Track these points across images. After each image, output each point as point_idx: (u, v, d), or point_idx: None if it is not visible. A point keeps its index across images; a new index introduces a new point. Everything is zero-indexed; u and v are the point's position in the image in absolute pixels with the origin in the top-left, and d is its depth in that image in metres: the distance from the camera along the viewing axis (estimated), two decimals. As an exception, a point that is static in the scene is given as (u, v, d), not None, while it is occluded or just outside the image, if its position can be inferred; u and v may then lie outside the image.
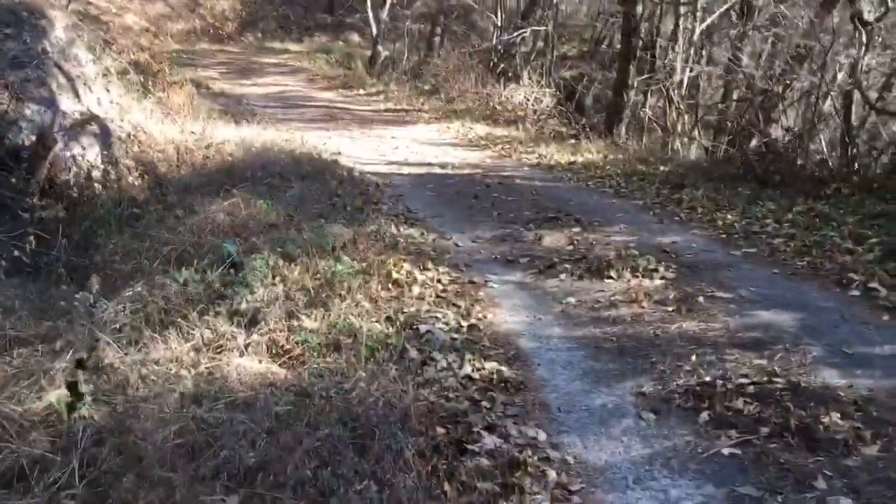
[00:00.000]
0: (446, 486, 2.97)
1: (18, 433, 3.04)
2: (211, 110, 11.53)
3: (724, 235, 6.51)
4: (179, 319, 4.28)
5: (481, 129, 12.34)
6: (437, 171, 9.21)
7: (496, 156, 10.36)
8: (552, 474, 3.13)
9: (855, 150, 8.83)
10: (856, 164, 8.56)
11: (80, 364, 3.41)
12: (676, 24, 15.38)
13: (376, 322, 4.43)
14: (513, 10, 23.45)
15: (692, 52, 15.32)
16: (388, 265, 5.30)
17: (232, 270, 4.97)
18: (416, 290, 5.08)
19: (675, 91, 14.29)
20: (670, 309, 4.83)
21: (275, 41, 23.68)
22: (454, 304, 4.94)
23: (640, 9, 14.03)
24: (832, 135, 10.64)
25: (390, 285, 5.07)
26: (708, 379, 3.84)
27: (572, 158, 9.95)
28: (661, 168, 9.16)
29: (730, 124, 15.79)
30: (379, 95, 15.27)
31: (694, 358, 4.11)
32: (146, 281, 4.95)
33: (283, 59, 20.06)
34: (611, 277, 5.41)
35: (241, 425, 3.14)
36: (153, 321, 4.33)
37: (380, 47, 19.02)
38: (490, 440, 3.30)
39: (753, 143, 11.65)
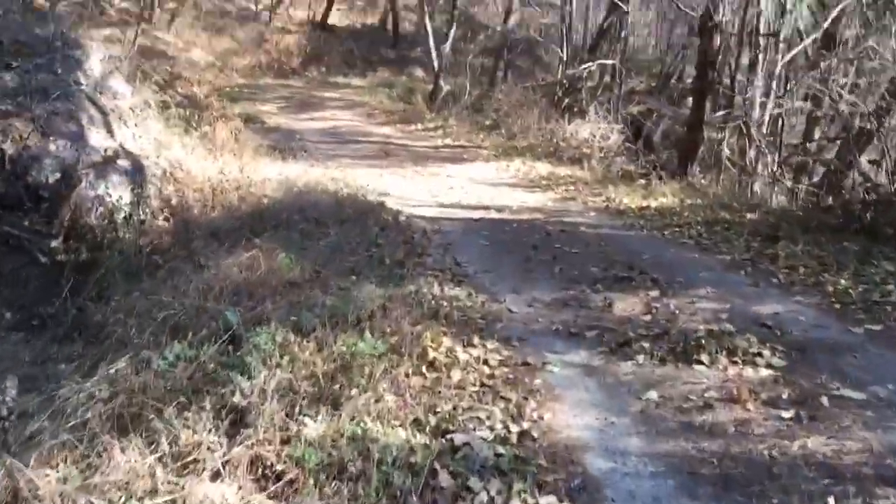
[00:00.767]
0: None
1: None
2: (259, 146, 10.75)
3: (837, 305, 5.22)
4: (153, 416, 3.29)
5: (543, 167, 11.24)
6: (494, 215, 8.13)
7: (559, 198, 9.23)
8: None
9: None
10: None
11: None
12: (755, 57, 14.03)
13: (400, 426, 3.36)
14: (579, 44, 22.43)
15: (773, 86, 13.96)
16: (425, 340, 4.23)
17: (231, 347, 3.98)
18: (455, 375, 3.99)
19: (755, 128, 12.96)
20: (786, 416, 3.61)
21: (338, 76, 23.14)
22: (503, 397, 3.83)
23: (717, 41, 12.78)
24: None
25: (424, 369, 4.00)
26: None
27: (644, 202, 8.74)
28: (748, 216, 7.88)
29: (816, 164, 14.33)
30: (437, 131, 14.34)
31: (832, 502, 2.89)
32: (132, 356, 4.00)
33: (344, 93, 19.40)
34: (701, 363, 4.22)
35: None
36: (122, 418, 3.36)
37: (441, 82, 18.17)
38: None
39: (848, 185, 10.26)
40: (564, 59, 18.13)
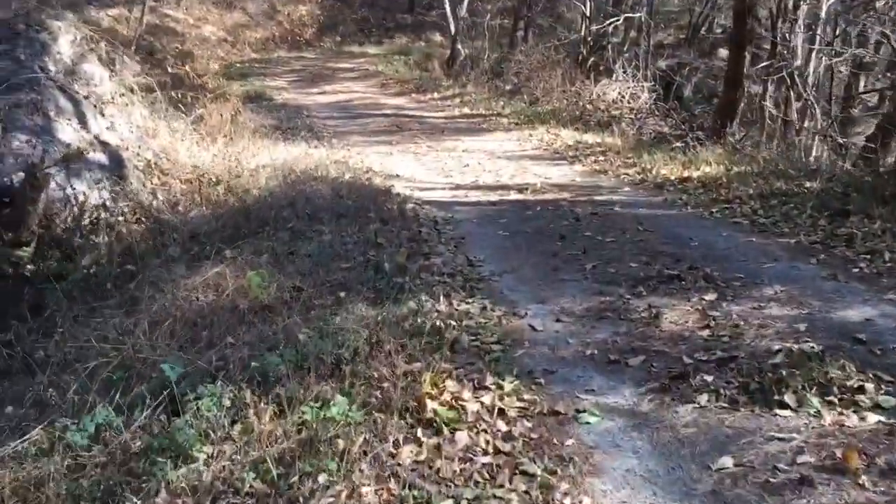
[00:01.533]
0: None
1: None
2: (260, 128, 9.71)
3: (945, 306, 4.09)
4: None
5: (569, 135, 10.05)
6: (514, 196, 7.03)
7: (588, 171, 8.07)
8: None
9: None
10: None
11: None
12: (796, 3, 12.54)
13: (378, 540, 2.35)
14: (602, -3, 20.95)
15: (819, 31, 12.51)
16: (423, 386, 3.20)
17: (168, 414, 2.99)
18: (461, 439, 2.96)
19: (800, 81, 11.58)
20: (920, 498, 2.53)
21: (353, 45, 21.95)
22: (523, 472, 2.80)
23: (756, -16, 11.35)
24: None
25: (420, 431, 2.98)
26: None
27: (684, 173, 7.55)
28: (808, 184, 6.66)
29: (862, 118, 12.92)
30: (454, 99, 13.17)
31: None
32: (47, 425, 3.06)
33: (359, 63, 18.24)
34: (786, 406, 3.13)
35: None
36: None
37: (459, 46, 16.92)
38: None
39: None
40: (588, 14, 16.74)
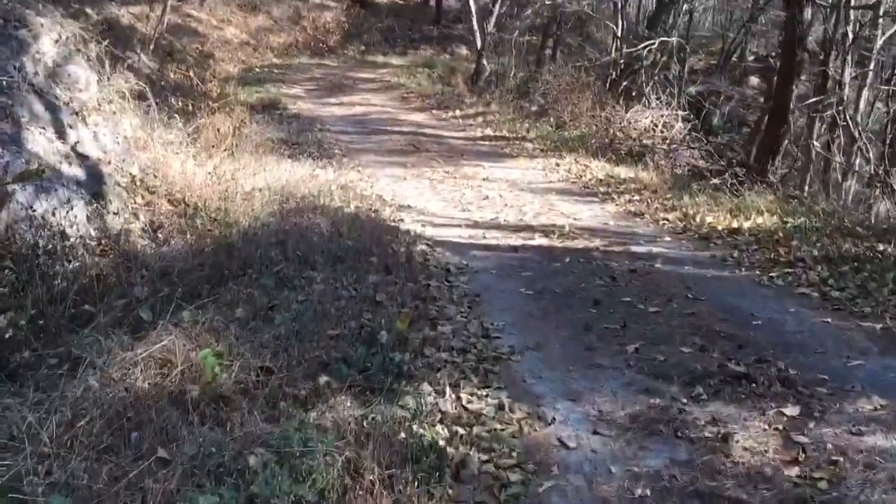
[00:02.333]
0: None
1: None
2: (266, 141, 8.77)
3: None
4: None
5: (599, 167, 9.02)
6: (540, 241, 6.01)
7: (622, 213, 7.04)
8: None
9: None
10: None
11: None
12: (844, 34, 11.46)
13: None
14: (633, 19, 19.92)
15: (872, 66, 11.44)
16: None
17: None
18: None
19: (850, 120, 10.51)
20: None
21: (377, 54, 21.02)
22: None
23: (807, 14, 10.30)
24: None
25: None
26: None
27: (733, 222, 6.50)
28: (881, 247, 5.61)
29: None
30: (477, 118, 12.18)
31: None
32: None
33: (381, 74, 17.29)
34: None
35: None
36: None
37: (484, 61, 15.93)
38: None
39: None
40: (619, 35, 15.74)
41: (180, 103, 8.27)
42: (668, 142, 11.23)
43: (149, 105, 7.40)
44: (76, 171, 6.05)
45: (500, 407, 3.32)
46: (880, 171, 9.17)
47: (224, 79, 16.67)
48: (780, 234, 6.05)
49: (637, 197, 7.50)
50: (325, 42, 21.36)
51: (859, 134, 10.02)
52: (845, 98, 10.71)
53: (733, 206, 6.96)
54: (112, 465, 2.57)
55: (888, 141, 10.01)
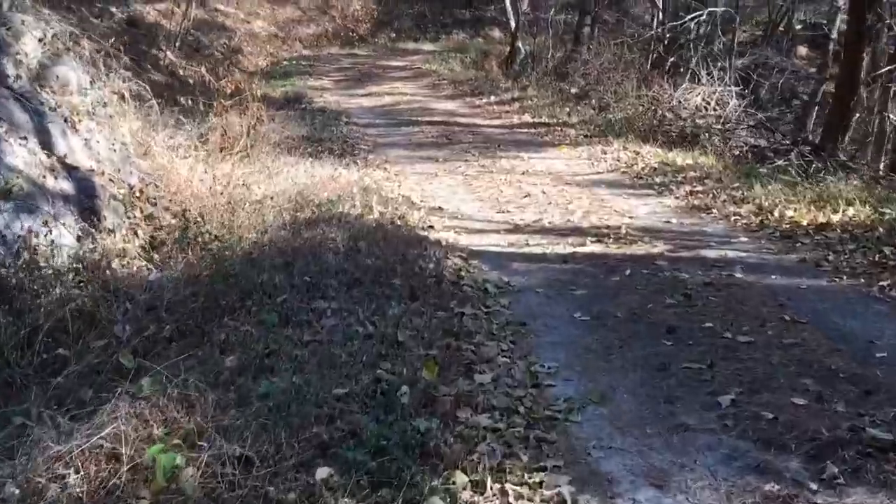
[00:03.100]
0: None
1: None
2: (286, 139, 7.93)
3: None
4: None
5: (651, 153, 7.96)
6: (592, 247, 5.04)
7: (684, 208, 6.01)
8: None
9: None
10: None
11: None
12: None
13: None
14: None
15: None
16: None
17: None
18: None
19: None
20: None
21: (408, 41, 20.08)
22: None
23: (880, -29, 9.04)
24: None
25: None
26: None
27: (819, 216, 5.43)
28: None
29: None
30: (514, 104, 11.16)
31: None
32: None
33: (412, 61, 16.34)
34: None
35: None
36: None
37: (519, 43, 14.86)
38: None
39: None
40: (660, 7, 14.53)
41: (190, 102, 7.46)
42: (722, 121, 10.09)
43: (150, 106, 6.59)
44: (63, 185, 5.27)
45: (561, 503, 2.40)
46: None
47: (251, 73, 15.93)
48: (880, 230, 4.97)
49: (699, 188, 6.45)
50: (354, 31, 20.47)
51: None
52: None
53: (814, 195, 5.87)
54: None
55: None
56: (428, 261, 4.54)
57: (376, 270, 4.27)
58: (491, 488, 2.42)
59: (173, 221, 5.63)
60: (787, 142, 9.50)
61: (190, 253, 4.98)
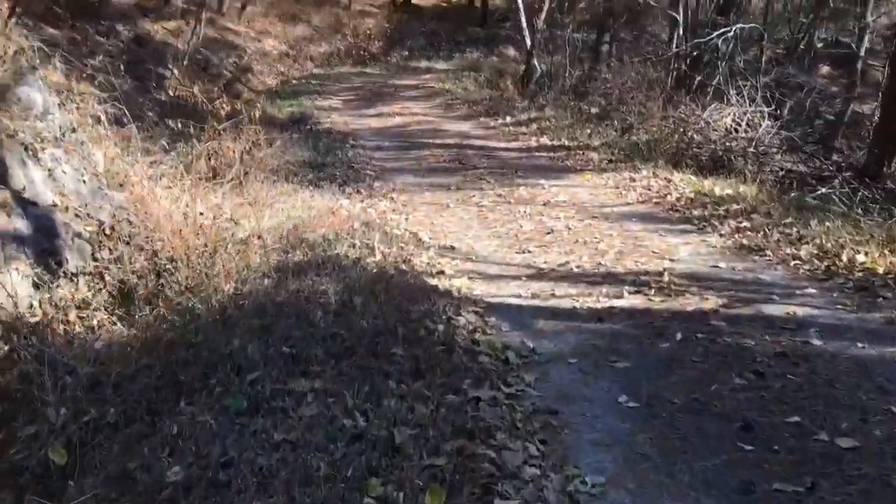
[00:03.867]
0: None
1: None
2: (285, 165, 7.14)
3: None
4: None
5: (684, 181, 7.09)
6: (630, 300, 4.17)
7: (732, 249, 5.12)
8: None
9: None
10: None
11: None
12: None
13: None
14: (694, 4, 17.74)
15: None
16: None
17: None
18: None
19: None
20: None
21: (421, 59, 19.36)
22: None
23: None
24: None
25: None
26: None
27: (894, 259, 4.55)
28: None
29: None
30: (530, 125, 10.34)
31: None
32: None
33: (424, 80, 15.59)
34: None
35: None
36: None
37: (535, 61, 14.06)
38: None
39: None
40: (681, 22, 13.63)
41: (179, 125, 6.69)
42: (754, 144, 9.22)
43: (132, 131, 5.81)
44: (17, 224, 4.49)
45: None
46: None
47: (258, 92, 15.24)
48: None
49: (746, 223, 5.57)
50: (366, 49, 19.77)
51: None
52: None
53: (885, 234, 4.97)
54: None
55: None
56: (436, 320, 3.69)
57: (373, 334, 3.42)
58: None
59: (146, 264, 4.83)
60: (831, 167, 8.60)
61: (161, 304, 4.16)
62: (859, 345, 3.51)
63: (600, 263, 4.79)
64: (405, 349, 3.32)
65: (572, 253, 5.03)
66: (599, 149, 8.72)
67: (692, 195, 6.50)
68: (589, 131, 9.61)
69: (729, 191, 6.58)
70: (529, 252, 5.09)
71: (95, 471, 2.77)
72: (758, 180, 7.46)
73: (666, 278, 4.44)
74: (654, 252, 5.02)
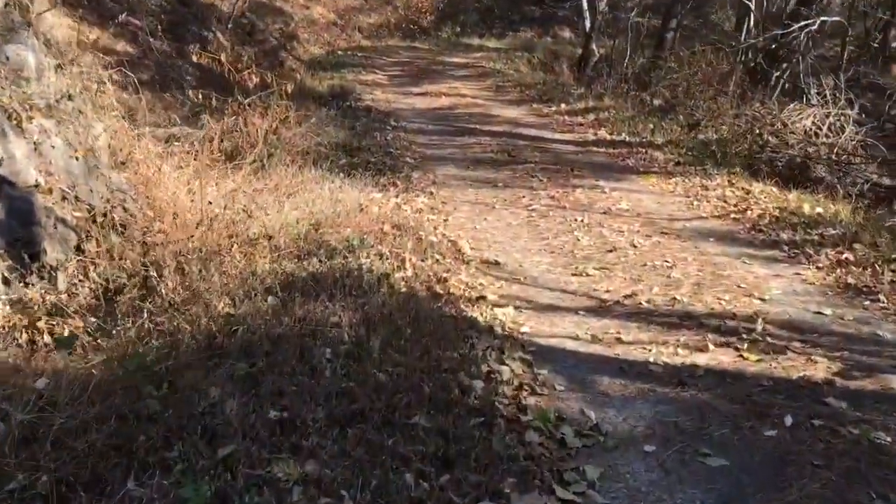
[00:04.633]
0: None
1: None
2: (315, 147, 6.32)
3: None
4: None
5: (765, 193, 6.07)
6: (718, 359, 3.25)
7: (835, 287, 4.13)
8: None
9: None
10: None
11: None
12: None
13: None
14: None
15: None
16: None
17: None
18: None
19: None
20: None
21: (473, 37, 18.32)
22: None
23: None
24: None
25: None
26: None
27: None
28: None
29: None
30: (588, 115, 9.33)
31: None
32: None
33: (475, 58, 14.59)
34: None
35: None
36: None
37: (593, 45, 12.97)
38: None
39: None
40: (753, 11, 12.36)
41: (200, 97, 5.91)
42: (835, 150, 8.11)
43: (140, 99, 5.02)
44: (-15, 208, 3.74)
45: None
46: None
47: (303, 61, 14.44)
48: None
49: (847, 254, 4.56)
50: (417, 23, 18.79)
51: None
52: None
53: None
54: None
55: None
56: (474, 373, 2.84)
57: (392, 392, 2.60)
58: None
59: (138, 260, 4.07)
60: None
61: (146, 318, 3.39)
62: None
63: (675, 299, 3.87)
64: (430, 418, 2.49)
65: (640, 281, 4.11)
66: (664, 147, 7.70)
67: (776, 212, 5.50)
68: (652, 126, 8.57)
69: (819, 209, 5.56)
70: (588, 275, 4.19)
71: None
72: (852, 196, 6.41)
73: (759, 326, 3.52)
74: (739, 286, 4.07)
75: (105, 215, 4.25)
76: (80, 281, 3.94)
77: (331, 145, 6.62)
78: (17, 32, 4.38)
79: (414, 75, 12.25)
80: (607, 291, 3.96)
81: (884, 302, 3.91)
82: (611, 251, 4.59)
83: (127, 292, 3.79)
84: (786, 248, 4.78)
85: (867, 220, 5.35)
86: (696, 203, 5.81)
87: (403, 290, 3.59)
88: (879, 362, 3.24)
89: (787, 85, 10.16)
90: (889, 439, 2.62)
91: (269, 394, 2.52)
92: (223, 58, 7.32)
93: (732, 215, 5.49)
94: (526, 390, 2.86)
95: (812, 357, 3.25)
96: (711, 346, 3.33)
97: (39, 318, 3.48)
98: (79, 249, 4.05)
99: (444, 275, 3.88)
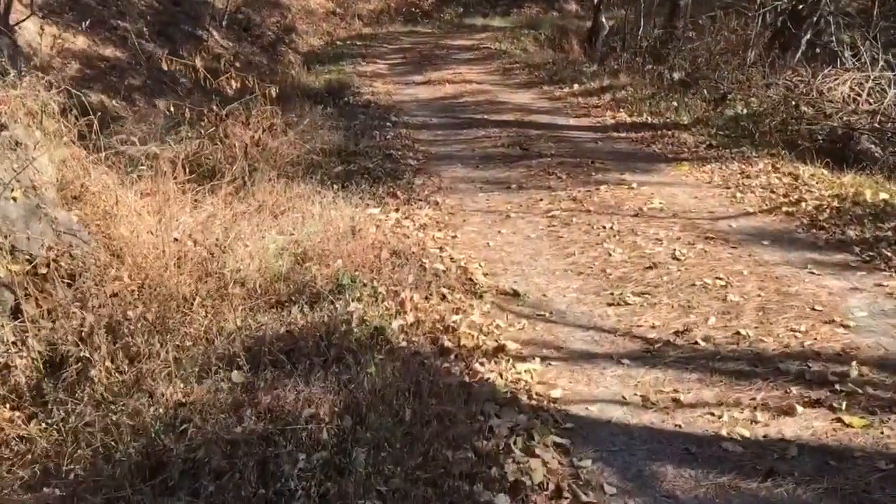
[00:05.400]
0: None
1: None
2: (306, 155, 5.55)
3: None
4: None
5: (816, 177, 5.20)
6: (811, 428, 2.47)
7: (934, 305, 3.34)
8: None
9: None
10: None
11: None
12: None
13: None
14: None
15: None
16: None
17: None
18: None
19: None
20: None
21: (476, 17, 17.35)
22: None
23: None
24: None
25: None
26: None
27: None
28: None
29: None
30: (603, 95, 8.43)
31: None
32: None
33: (479, 39, 13.65)
34: None
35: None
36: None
37: (602, 17, 12.00)
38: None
39: None
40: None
41: (171, 110, 5.13)
42: (878, 118, 7.17)
43: (90, 123, 4.24)
44: None
45: None
46: None
47: (301, 54, 13.63)
48: None
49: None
50: (418, 6, 17.83)
51: None
52: None
53: None
54: None
55: None
56: (494, 477, 2.07)
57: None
58: None
59: (89, 316, 3.33)
60: None
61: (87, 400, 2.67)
62: None
63: (739, 334, 3.07)
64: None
65: (691, 309, 3.31)
66: (692, 128, 6.82)
67: (834, 202, 4.64)
68: (675, 104, 7.67)
69: (884, 195, 4.68)
70: (627, 304, 3.39)
71: None
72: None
73: (853, 372, 2.71)
74: (814, 309, 3.26)
75: (48, 265, 3.51)
76: (17, 352, 3.22)
77: (324, 151, 5.83)
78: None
79: (416, 63, 11.38)
80: (653, 327, 3.16)
81: None
82: (650, 268, 3.78)
83: (71, 364, 3.07)
84: (857, 249, 3.94)
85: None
86: (739, 195, 4.96)
87: (403, 344, 2.83)
88: None
89: (816, 49, 9.17)
90: None
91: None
92: (198, 63, 6.51)
93: (784, 208, 4.64)
94: (566, 499, 2.09)
95: (932, 417, 2.45)
96: (799, 407, 2.53)
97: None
98: (16, 312, 3.32)
99: (454, 320, 3.10)
